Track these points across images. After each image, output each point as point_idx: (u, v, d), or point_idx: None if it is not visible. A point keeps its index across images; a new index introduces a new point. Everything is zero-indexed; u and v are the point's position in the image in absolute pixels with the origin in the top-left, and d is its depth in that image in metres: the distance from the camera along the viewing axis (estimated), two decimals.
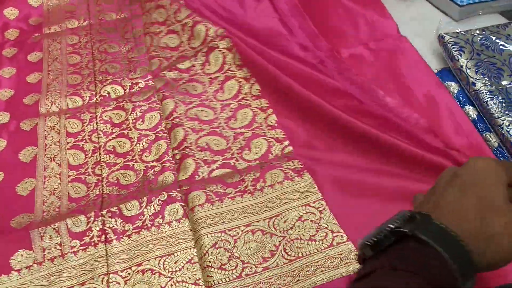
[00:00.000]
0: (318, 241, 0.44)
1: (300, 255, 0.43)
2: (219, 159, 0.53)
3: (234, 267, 0.43)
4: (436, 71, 0.63)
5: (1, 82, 0.67)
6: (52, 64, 0.69)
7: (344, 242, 0.44)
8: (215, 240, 0.45)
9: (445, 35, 0.64)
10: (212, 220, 0.47)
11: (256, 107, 0.57)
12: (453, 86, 0.61)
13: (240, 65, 0.62)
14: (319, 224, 0.45)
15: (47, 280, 0.44)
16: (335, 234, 0.44)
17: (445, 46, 0.63)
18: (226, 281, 0.42)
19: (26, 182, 0.54)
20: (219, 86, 0.60)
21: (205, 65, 0.63)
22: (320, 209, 0.46)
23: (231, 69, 0.61)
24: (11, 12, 0.77)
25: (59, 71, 0.68)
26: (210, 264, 0.43)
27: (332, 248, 0.43)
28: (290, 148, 0.53)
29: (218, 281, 0.42)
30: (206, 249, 0.44)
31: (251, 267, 0.43)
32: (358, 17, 0.69)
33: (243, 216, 0.47)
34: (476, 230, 0.28)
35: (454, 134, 0.54)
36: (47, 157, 0.56)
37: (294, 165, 0.51)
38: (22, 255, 0.47)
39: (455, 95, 0.60)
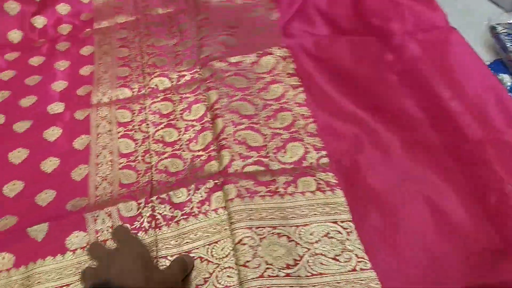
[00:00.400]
0: (342, 262, 0.43)
1: (323, 272, 0.42)
2: (254, 155, 0.53)
3: (257, 266, 0.43)
4: (488, 63, 0.61)
5: (56, 74, 0.70)
6: (102, 58, 0.72)
7: (368, 269, 0.42)
8: (242, 236, 0.45)
9: (497, 25, 0.62)
10: (241, 216, 0.47)
11: (298, 113, 0.56)
12: (506, 79, 0.58)
13: (291, 74, 0.61)
14: (345, 245, 0.44)
15: None
16: (359, 259, 0.43)
17: (497, 37, 0.61)
18: (249, 280, 0.42)
19: (80, 168, 0.57)
20: (264, 86, 0.60)
21: (255, 64, 0.63)
22: (347, 230, 0.45)
23: (280, 75, 0.61)
24: (63, 8, 0.80)
25: (109, 64, 0.71)
26: (236, 261, 0.44)
27: (354, 273, 0.42)
28: (326, 160, 0.51)
29: (243, 278, 0.42)
30: (235, 243, 0.45)
31: (274, 270, 0.42)
32: (404, 7, 0.67)
33: (271, 218, 0.46)
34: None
35: (507, 127, 0.52)
36: (99, 145, 0.59)
37: (328, 178, 0.49)
38: (77, 236, 0.50)
39: (508, 87, 0.57)
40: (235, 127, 0.56)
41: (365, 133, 0.53)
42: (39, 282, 0.46)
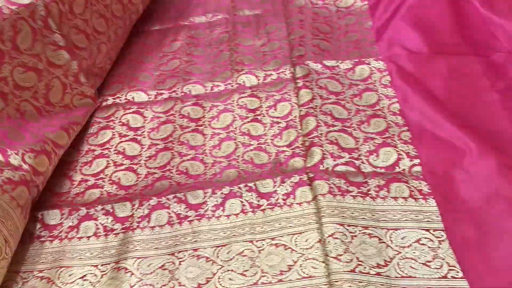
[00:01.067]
0: (433, 269, 0.43)
1: (412, 275, 0.43)
2: (345, 156, 0.54)
3: (349, 260, 0.44)
4: None
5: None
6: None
7: (459, 278, 0.42)
8: (334, 230, 0.46)
9: None
10: (333, 211, 0.48)
11: (391, 121, 0.57)
12: None
13: (386, 85, 0.62)
14: (436, 253, 0.44)
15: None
16: (450, 267, 0.43)
17: None
18: (340, 272, 0.43)
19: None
20: (358, 92, 0.61)
21: (349, 71, 0.65)
22: (439, 239, 0.45)
23: (375, 84, 0.62)
24: None
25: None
26: (327, 253, 0.45)
27: (445, 280, 0.42)
28: (419, 168, 0.52)
29: (333, 270, 0.43)
30: (325, 237, 0.46)
31: (365, 267, 0.43)
32: (506, 27, 0.66)
33: (362, 218, 0.47)
34: None
35: None
36: None
37: (421, 186, 0.50)
38: None
39: None
40: (328, 128, 0.57)
41: (460, 149, 0.52)
42: None
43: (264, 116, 0.63)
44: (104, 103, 0.68)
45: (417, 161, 0.52)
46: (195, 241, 0.49)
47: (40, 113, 0.58)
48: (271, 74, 0.69)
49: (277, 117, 0.62)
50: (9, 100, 0.54)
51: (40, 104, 0.58)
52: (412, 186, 0.50)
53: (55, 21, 0.61)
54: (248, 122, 0.62)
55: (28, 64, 0.57)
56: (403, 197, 0.49)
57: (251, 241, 0.48)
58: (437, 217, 0.47)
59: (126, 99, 0.68)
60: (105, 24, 0.71)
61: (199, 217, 0.51)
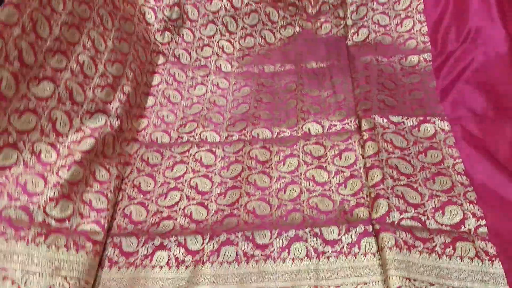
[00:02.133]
0: None
1: None
2: (411, 211, 0.56)
3: None
4: None
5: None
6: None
7: None
8: (400, 283, 0.47)
9: None
10: (399, 265, 0.49)
11: (457, 180, 0.59)
12: None
13: (451, 146, 0.64)
14: None
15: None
16: None
17: None
18: None
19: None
20: (423, 150, 0.64)
21: (415, 128, 0.68)
22: None
23: (439, 143, 0.65)
24: None
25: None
26: None
27: None
28: (485, 229, 0.53)
29: None
30: None
31: None
32: None
33: (428, 274, 0.49)
34: None
35: None
36: None
37: (487, 248, 0.51)
38: None
39: None
40: (394, 181, 0.59)
41: None
42: None
43: (328, 164, 0.66)
44: (180, 140, 0.74)
45: (483, 222, 0.53)
46: (261, 281, 0.52)
47: None
48: (336, 124, 0.72)
49: (342, 166, 0.65)
50: None
51: None
52: (478, 246, 0.51)
53: None
54: (313, 168, 0.66)
55: None
56: (469, 257, 0.50)
57: (315, 287, 0.50)
58: (503, 279, 0.47)
59: (200, 138, 0.74)
60: None
61: (265, 258, 0.54)
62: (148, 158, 0.70)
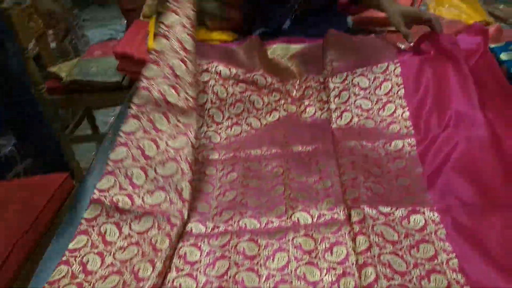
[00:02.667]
0: None
1: None
2: None
3: None
4: None
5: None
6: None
7: None
8: None
9: None
10: None
11: (453, 279, 0.57)
12: None
13: (442, 239, 0.63)
14: None
15: None
16: None
17: None
18: None
19: None
20: (415, 243, 0.62)
21: (404, 220, 0.66)
22: None
23: (431, 236, 0.63)
24: None
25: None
26: None
27: None
28: None
29: None
30: None
31: None
32: None
33: None
34: None
35: None
36: None
37: None
38: None
39: None
40: (388, 281, 0.57)
41: None
42: None
43: (320, 260, 0.63)
44: None
45: None
46: None
47: None
48: (325, 214, 0.71)
49: (334, 262, 0.62)
50: None
51: None
52: None
53: None
54: (304, 265, 0.63)
55: None
56: None
57: None
58: None
59: (185, 230, 0.71)
60: None
61: None
62: None
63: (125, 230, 0.69)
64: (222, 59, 0.98)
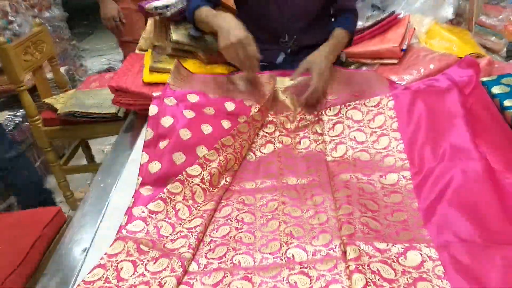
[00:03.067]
0: None
1: None
2: None
3: None
4: None
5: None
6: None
7: None
8: None
9: None
10: None
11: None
12: None
13: (440, 276, 0.61)
14: None
15: None
16: None
17: None
18: None
19: None
20: (412, 282, 0.60)
21: (401, 256, 0.65)
22: None
23: (428, 273, 0.62)
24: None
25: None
26: None
27: None
28: None
29: None
30: None
31: None
32: None
33: None
34: None
35: None
36: None
37: None
38: None
39: None
40: None
41: None
42: None
43: None
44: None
45: None
46: None
47: None
48: (321, 250, 0.69)
49: None
50: None
51: None
52: None
53: None
54: None
55: None
56: None
57: None
58: None
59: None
60: None
61: None
62: None
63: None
64: (215, 91, 0.99)
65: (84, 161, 2.11)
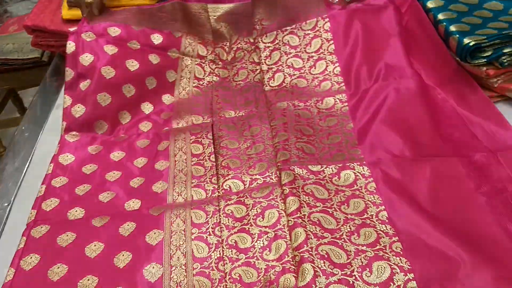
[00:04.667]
0: None
1: None
2: (338, 273, 0.52)
3: None
4: None
5: (133, 171, 0.74)
6: (178, 154, 0.76)
7: None
8: None
9: None
10: None
11: (381, 231, 0.56)
12: None
13: (372, 192, 0.62)
14: None
15: None
16: None
17: None
18: None
19: (153, 267, 0.58)
20: (345, 199, 0.61)
21: (335, 176, 0.64)
22: None
23: (361, 190, 0.62)
24: (147, 107, 0.87)
25: (184, 161, 0.74)
26: None
27: None
28: (414, 284, 0.49)
29: None
30: None
31: None
32: (480, 127, 0.69)
33: None
34: None
35: None
36: (173, 245, 0.60)
37: None
38: None
39: None
40: (318, 240, 0.55)
41: (453, 259, 0.51)
42: None
43: (251, 226, 0.61)
44: None
45: (411, 275, 0.51)
46: None
47: None
48: (257, 178, 0.68)
49: (265, 227, 0.60)
50: None
51: None
52: None
53: None
54: (235, 232, 0.61)
55: None
56: None
57: None
58: None
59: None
60: None
61: None
62: None
63: None
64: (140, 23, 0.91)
65: (16, 114, 1.96)
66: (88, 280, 0.57)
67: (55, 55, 1.19)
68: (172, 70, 0.90)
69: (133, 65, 0.84)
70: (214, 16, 1.03)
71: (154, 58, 0.88)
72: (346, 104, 0.79)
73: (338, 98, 0.81)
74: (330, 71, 0.86)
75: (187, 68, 0.92)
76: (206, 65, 0.94)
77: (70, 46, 0.83)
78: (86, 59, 0.82)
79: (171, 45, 0.91)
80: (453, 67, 0.79)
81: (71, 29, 0.86)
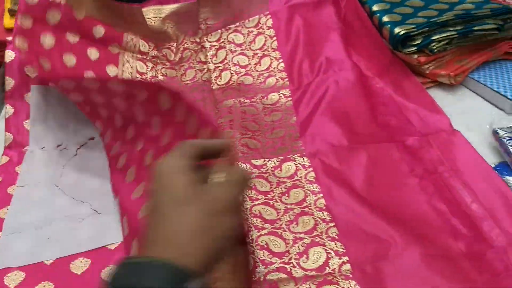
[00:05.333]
0: None
1: None
2: (276, 262, 0.54)
3: None
4: (493, 166, 0.64)
5: None
6: None
7: None
8: None
9: (499, 130, 0.66)
10: None
11: (319, 218, 0.59)
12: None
13: (311, 181, 0.64)
14: None
15: None
16: None
17: (500, 141, 0.65)
18: None
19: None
20: (286, 190, 0.63)
21: (277, 169, 0.67)
22: None
23: (301, 180, 0.65)
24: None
25: None
26: None
27: None
28: (348, 266, 0.52)
29: None
30: None
31: None
32: (411, 111, 0.72)
33: None
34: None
35: None
36: None
37: (351, 286, 0.50)
38: None
39: None
40: (258, 231, 0.57)
41: (385, 241, 0.54)
42: None
43: None
44: None
45: (345, 258, 0.53)
46: None
47: None
48: None
49: None
50: None
51: None
52: (343, 287, 0.50)
53: None
54: None
55: None
56: None
57: None
58: None
59: None
60: None
61: None
62: None
63: None
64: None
65: None
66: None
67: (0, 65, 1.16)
68: (112, 64, 0.88)
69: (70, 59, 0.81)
70: (160, 17, 1.03)
71: (93, 53, 0.85)
72: (290, 98, 0.82)
73: (282, 93, 0.83)
74: (274, 67, 0.88)
75: (128, 63, 0.91)
76: (148, 61, 0.93)
77: (9, 55, 0.82)
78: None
79: (111, 39, 0.89)
80: (389, 57, 0.83)
81: (9, 38, 0.84)
